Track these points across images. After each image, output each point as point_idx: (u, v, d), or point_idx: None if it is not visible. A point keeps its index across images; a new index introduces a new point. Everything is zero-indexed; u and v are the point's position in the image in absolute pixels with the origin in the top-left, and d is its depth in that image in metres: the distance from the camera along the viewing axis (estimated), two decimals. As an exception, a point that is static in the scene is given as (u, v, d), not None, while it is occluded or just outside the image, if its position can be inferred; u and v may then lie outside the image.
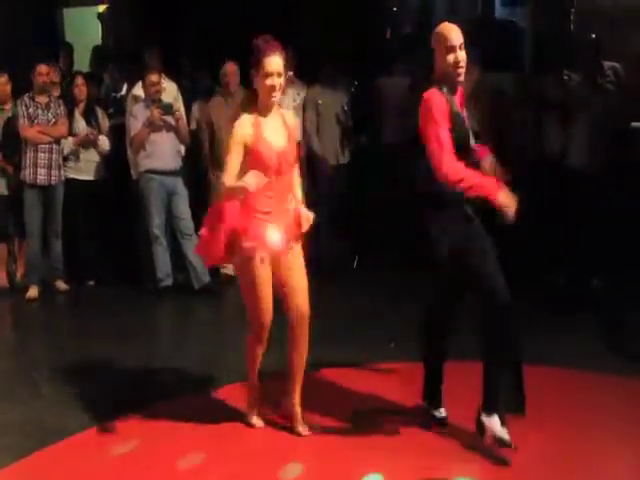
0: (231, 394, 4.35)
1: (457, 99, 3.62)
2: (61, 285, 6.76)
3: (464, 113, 3.66)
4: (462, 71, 3.53)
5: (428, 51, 3.63)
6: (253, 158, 3.56)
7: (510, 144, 6.53)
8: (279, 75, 3.57)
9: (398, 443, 3.82)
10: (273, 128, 3.65)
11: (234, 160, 3.54)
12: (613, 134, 6.27)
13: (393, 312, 5.75)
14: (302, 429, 3.88)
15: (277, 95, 3.60)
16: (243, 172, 3.51)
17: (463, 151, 3.53)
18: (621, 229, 6.19)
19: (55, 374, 4.83)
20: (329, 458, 3.70)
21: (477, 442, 3.68)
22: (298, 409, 3.91)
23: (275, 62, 3.56)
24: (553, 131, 6.61)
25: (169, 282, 6.62)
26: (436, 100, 3.49)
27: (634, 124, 6.32)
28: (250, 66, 3.62)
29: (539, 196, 6.68)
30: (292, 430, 3.89)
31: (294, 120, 3.90)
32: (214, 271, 6.59)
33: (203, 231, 3.73)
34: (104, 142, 6.77)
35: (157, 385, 4.65)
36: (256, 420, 4.00)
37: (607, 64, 6.66)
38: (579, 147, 6.38)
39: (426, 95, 3.50)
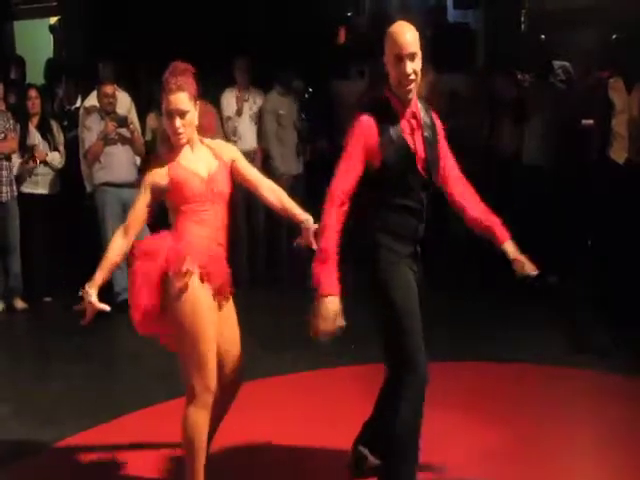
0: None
1: (406, 116, 3.11)
2: (19, 303, 6.61)
3: (414, 133, 3.13)
4: (411, 86, 3.05)
5: (381, 55, 3.52)
6: (175, 189, 3.14)
7: (465, 144, 6.58)
8: (181, 114, 3.09)
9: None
10: (196, 158, 3.22)
11: (138, 204, 3.25)
12: (565, 132, 6.37)
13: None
14: None
15: (183, 137, 3.14)
16: (171, 210, 3.22)
17: (405, 176, 3.06)
18: (575, 225, 6.29)
19: (10, 393, 4.76)
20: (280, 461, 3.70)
21: (442, 441, 3.71)
22: None
23: (175, 100, 3.08)
24: (507, 130, 6.70)
25: (126, 295, 6.52)
26: (360, 128, 3.03)
27: (584, 121, 6.43)
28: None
29: (494, 195, 6.74)
30: None
31: (232, 150, 3.37)
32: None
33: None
34: (54, 159, 6.68)
35: (114, 399, 4.60)
36: None
37: (557, 63, 6.77)
38: (533, 145, 6.47)
39: (356, 120, 3.05)
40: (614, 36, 6.58)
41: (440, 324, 5.13)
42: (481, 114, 6.82)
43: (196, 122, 3.20)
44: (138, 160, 6.63)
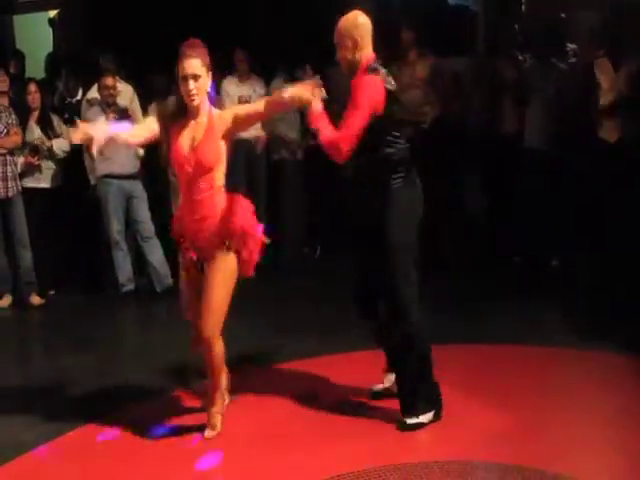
0: (195, 396, 4.30)
1: None
2: (35, 299, 6.56)
3: None
4: None
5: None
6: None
7: (467, 127, 6.60)
8: (195, 78, 3.53)
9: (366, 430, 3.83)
10: (191, 132, 3.63)
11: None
12: (567, 113, 6.32)
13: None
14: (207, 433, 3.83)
15: (196, 99, 3.56)
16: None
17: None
18: (577, 209, 6.26)
19: (18, 387, 4.77)
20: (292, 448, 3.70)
21: (446, 424, 3.73)
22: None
23: (189, 65, 3.52)
24: (509, 112, 6.67)
25: (131, 287, 6.58)
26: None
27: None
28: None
29: (497, 177, 6.75)
30: None
31: (228, 113, 3.70)
32: (177, 272, 6.53)
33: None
34: (60, 145, 6.64)
35: (121, 391, 4.59)
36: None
37: (570, 46, 6.72)
38: (535, 127, 6.43)
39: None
40: (608, 14, 6.51)
41: (440, 308, 5.17)
42: (483, 96, 6.79)
43: (208, 89, 3.60)
44: (141, 151, 6.62)
